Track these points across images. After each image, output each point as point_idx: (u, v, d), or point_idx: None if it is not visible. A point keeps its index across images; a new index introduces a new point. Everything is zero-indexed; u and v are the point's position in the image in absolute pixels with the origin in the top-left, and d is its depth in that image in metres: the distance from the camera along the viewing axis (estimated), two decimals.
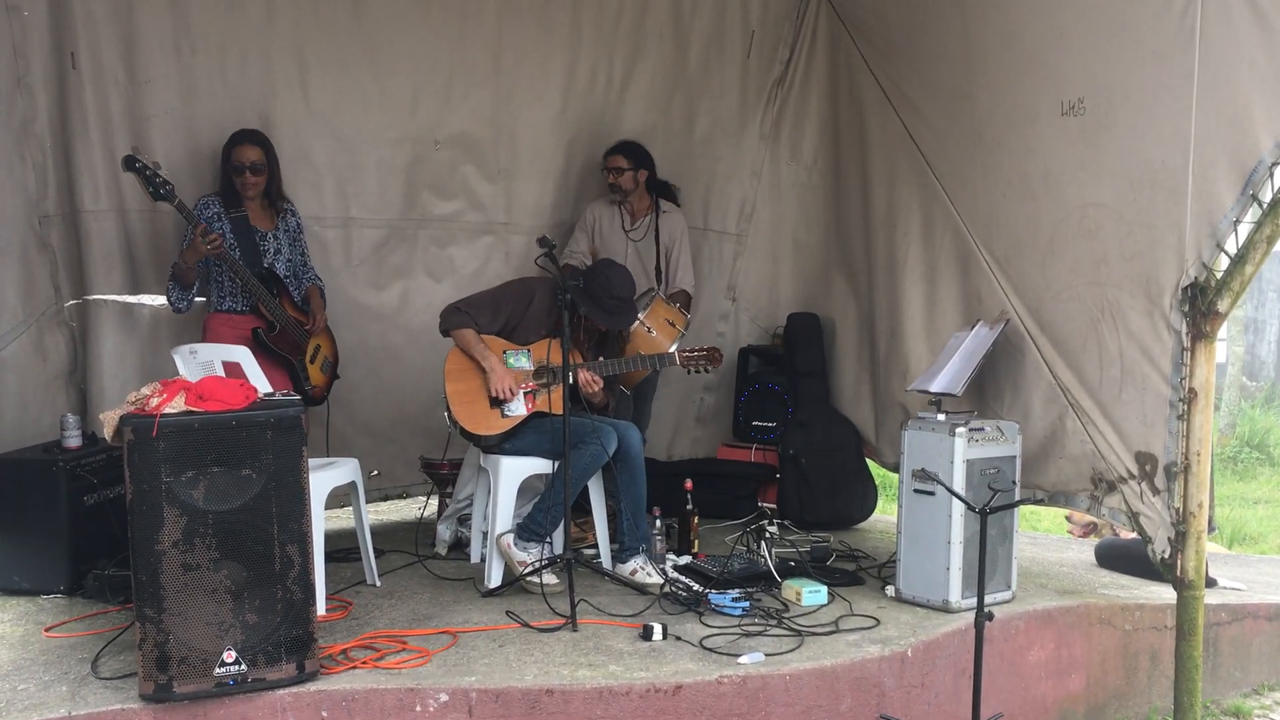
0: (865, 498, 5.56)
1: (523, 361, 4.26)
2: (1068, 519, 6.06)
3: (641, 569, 4.20)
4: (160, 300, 4.55)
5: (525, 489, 4.50)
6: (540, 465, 4.27)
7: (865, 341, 5.39)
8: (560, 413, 4.06)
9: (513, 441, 4.26)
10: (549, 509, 4.14)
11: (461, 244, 5.32)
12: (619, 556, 4.31)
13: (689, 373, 4.49)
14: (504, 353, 4.25)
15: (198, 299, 4.39)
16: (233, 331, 4.34)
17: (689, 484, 4.77)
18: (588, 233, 5.39)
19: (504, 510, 4.24)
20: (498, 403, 4.21)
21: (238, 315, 4.38)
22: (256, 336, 4.32)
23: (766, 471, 5.70)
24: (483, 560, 4.47)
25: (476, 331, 4.21)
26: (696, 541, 4.74)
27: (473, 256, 5.35)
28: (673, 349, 4.69)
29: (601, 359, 4.29)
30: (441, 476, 4.99)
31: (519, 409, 4.24)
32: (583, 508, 4.63)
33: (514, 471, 4.27)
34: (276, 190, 4.43)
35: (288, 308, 4.46)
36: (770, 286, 5.94)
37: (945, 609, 3.98)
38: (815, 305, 5.77)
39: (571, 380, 4.13)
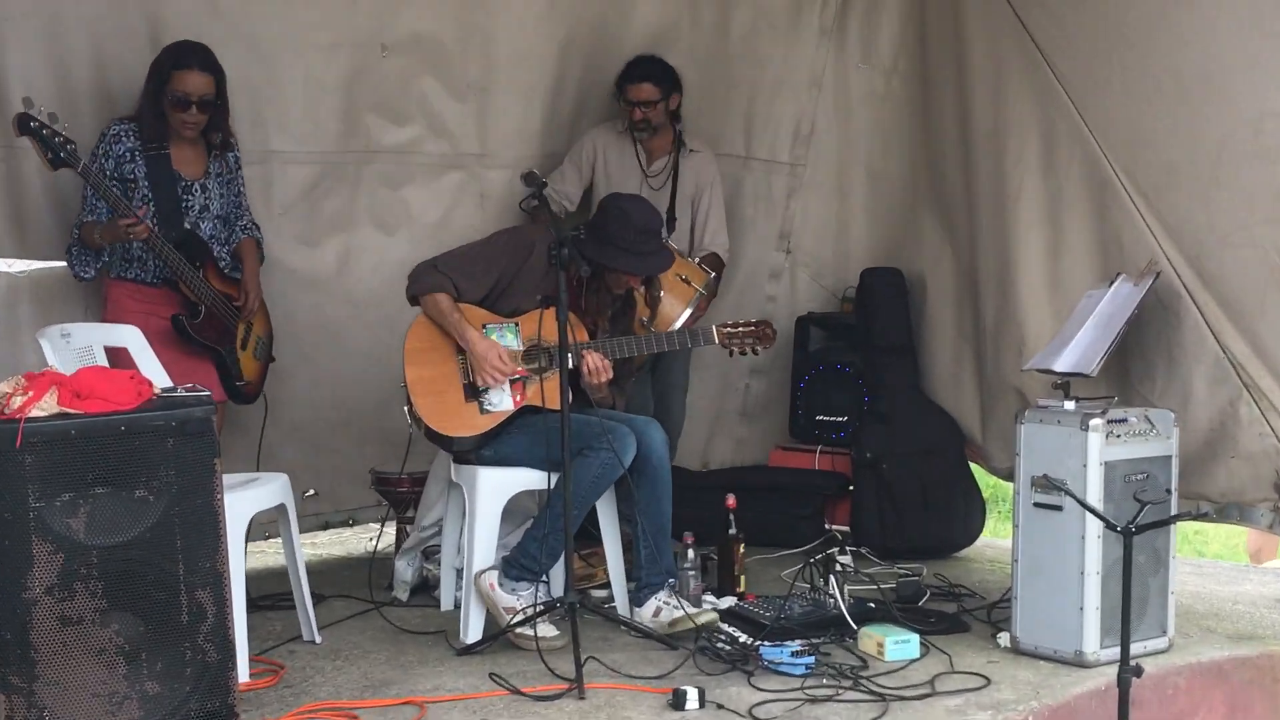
0: (969, 516, 5.62)
1: (508, 338, 4.30)
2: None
3: (666, 605, 4.26)
4: (18, 265, 4.55)
5: (512, 511, 4.50)
6: (532, 479, 4.29)
7: (967, 305, 5.43)
8: (558, 407, 4.03)
9: (495, 447, 4.29)
10: (545, 537, 4.18)
11: (420, 184, 5.35)
12: (638, 598, 4.36)
13: (730, 354, 4.54)
14: (483, 327, 4.29)
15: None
16: (141, 308, 4.37)
17: (731, 501, 4.79)
18: (581, 169, 5.41)
19: (484, 540, 4.27)
20: (475, 393, 4.25)
21: (148, 287, 4.41)
22: (178, 325, 4.37)
23: (835, 483, 5.74)
24: (457, 607, 4.52)
25: (453, 298, 4.25)
26: (743, 578, 4.78)
27: (435, 200, 5.38)
28: (686, 314, 4.78)
29: (609, 338, 4.35)
30: (400, 496, 5.05)
31: (503, 403, 4.27)
32: (590, 535, 4.66)
33: (497, 487, 4.29)
34: (220, 129, 4.46)
35: (213, 280, 4.50)
36: (837, 233, 6.01)
37: (1078, 662, 4.01)
38: (898, 257, 5.79)
39: (572, 365, 4.17)
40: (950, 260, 5.49)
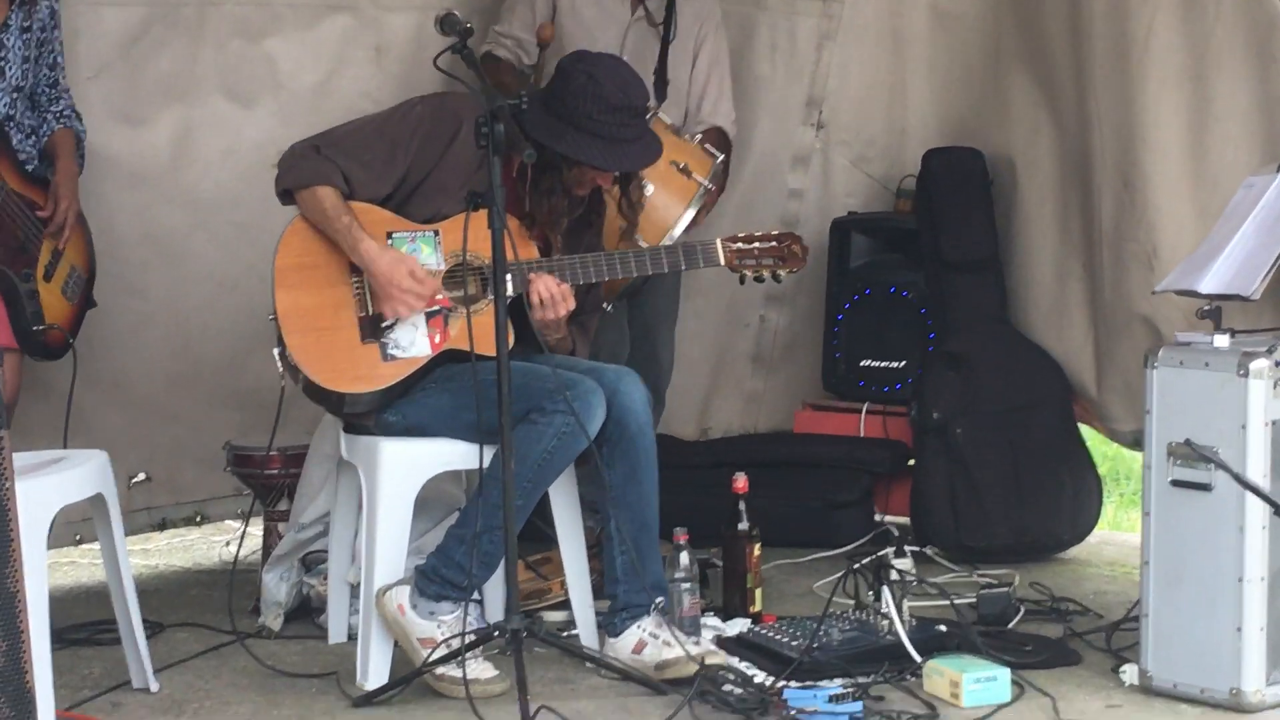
0: (1079, 500, 5.67)
1: (425, 253, 4.35)
2: None
3: (654, 638, 4.29)
4: None
5: (430, 501, 4.57)
6: (457, 454, 4.34)
7: (1074, 200, 5.49)
8: (493, 353, 4.03)
9: (405, 409, 4.34)
10: (476, 538, 4.20)
11: (289, 33, 5.38)
12: (613, 625, 4.39)
13: (740, 280, 4.61)
14: (388, 236, 4.33)
15: None
16: None
17: (741, 482, 4.81)
18: (536, 4, 5.37)
19: (390, 543, 4.31)
20: (376, 331, 4.30)
21: None
22: None
23: (889, 456, 5.85)
24: (352, 638, 4.55)
25: (342, 195, 4.29)
26: (759, 592, 4.83)
27: (312, 56, 5.43)
28: (686, 218, 4.82)
29: (568, 256, 4.40)
30: (269, 481, 5.10)
31: (416, 345, 4.31)
32: (541, 534, 4.73)
33: (408, 467, 4.34)
34: None
35: (8, 176, 4.52)
36: (889, 100, 6.05)
37: (1236, 705, 4.02)
38: (976, 133, 5.86)
39: (514, 291, 4.19)
40: (1050, 136, 5.54)
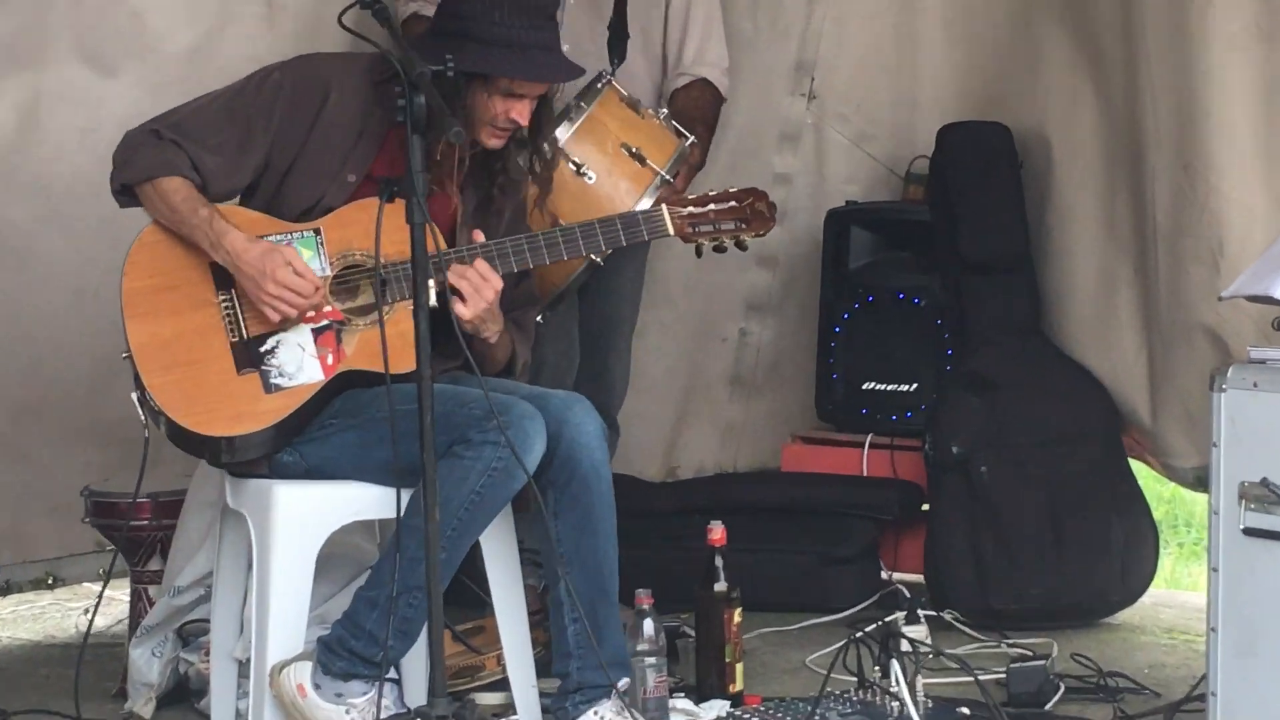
0: (1130, 552, 5.68)
1: (306, 259, 4.33)
2: None
3: None
4: None
5: (335, 559, 4.59)
6: (367, 501, 4.36)
7: (1122, 186, 5.54)
8: (414, 368, 4.00)
9: (302, 448, 4.37)
10: (392, 603, 4.19)
11: None
12: (562, 709, 4.40)
13: (698, 252, 4.61)
14: (261, 239, 4.34)
15: None
16: None
17: (718, 533, 4.81)
18: None
19: (286, 610, 4.31)
20: (253, 356, 4.31)
21: None
22: None
23: (898, 499, 5.93)
24: None
25: (198, 187, 4.31)
26: (739, 668, 4.83)
27: (190, 13, 5.48)
28: (643, 205, 4.81)
29: (479, 244, 4.39)
30: (136, 536, 5.09)
31: (304, 370, 4.32)
32: (473, 596, 4.79)
33: (308, 518, 4.37)
34: None
35: None
36: (896, 63, 6.13)
37: None
38: (1003, 105, 5.93)
39: (435, 293, 4.14)
40: (1093, 108, 5.61)
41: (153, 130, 4.30)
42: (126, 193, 4.34)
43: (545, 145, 4.59)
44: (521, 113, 4.36)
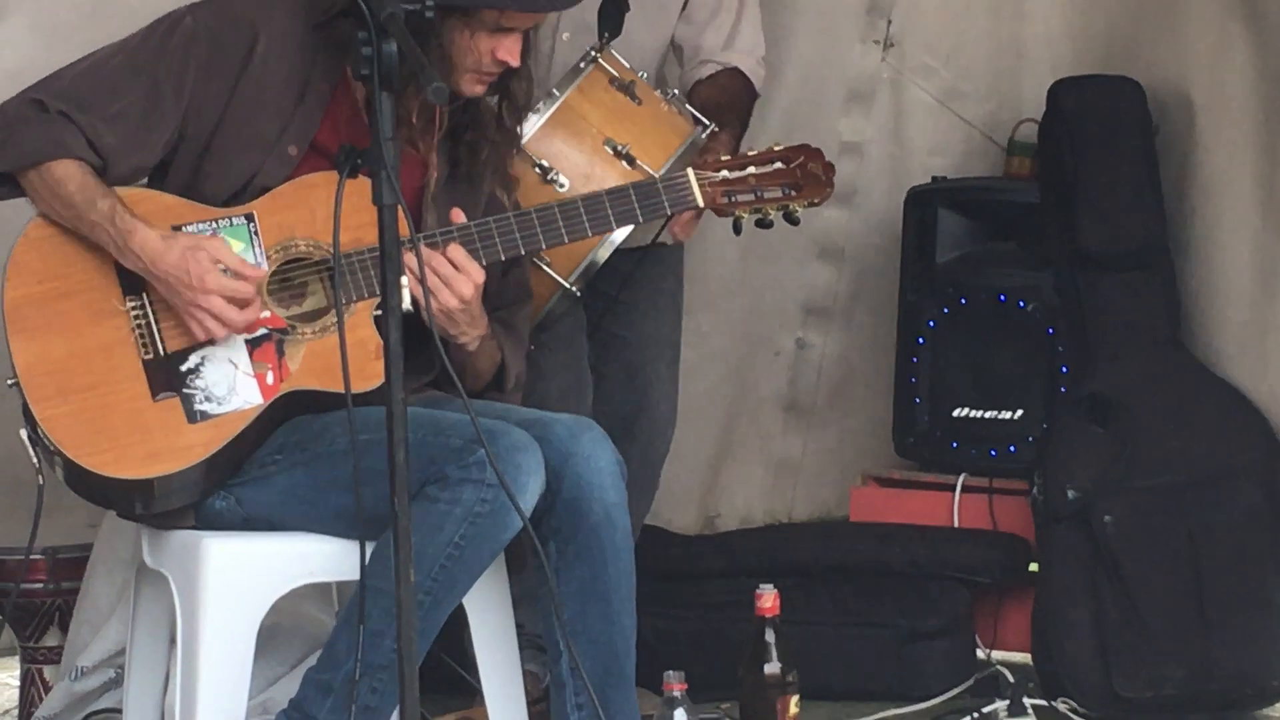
0: None
1: (238, 246, 4.29)
2: None
3: None
4: None
5: (281, 632, 4.67)
6: (324, 557, 4.30)
7: None
8: (376, 385, 3.92)
9: (238, 490, 4.33)
10: (350, 685, 4.12)
11: None
12: None
13: (736, 229, 4.62)
14: (179, 230, 4.28)
15: None
16: None
17: (769, 601, 4.73)
18: None
19: (219, 695, 4.24)
20: (171, 377, 4.25)
21: None
22: None
23: (998, 557, 5.81)
24: None
25: (96, 170, 4.27)
26: None
27: None
28: (619, 234, 4.73)
29: (459, 225, 4.40)
30: (29, 601, 5.08)
31: (237, 392, 4.25)
32: (456, 678, 4.77)
33: (248, 579, 4.32)
34: None
35: None
36: (997, 0, 6.08)
37: None
38: (1133, 56, 5.89)
39: (408, 293, 3.96)
40: (1248, 59, 5.51)
41: (36, 100, 4.26)
42: (5, 181, 4.31)
43: (519, 85, 4.52)
44: (512, 51, 4.34)
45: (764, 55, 5.49)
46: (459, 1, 4.22)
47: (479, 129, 4.50)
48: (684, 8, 5.47)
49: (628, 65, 4.94)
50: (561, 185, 4.69)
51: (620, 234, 4.61)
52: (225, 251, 4.17)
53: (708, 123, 5.00)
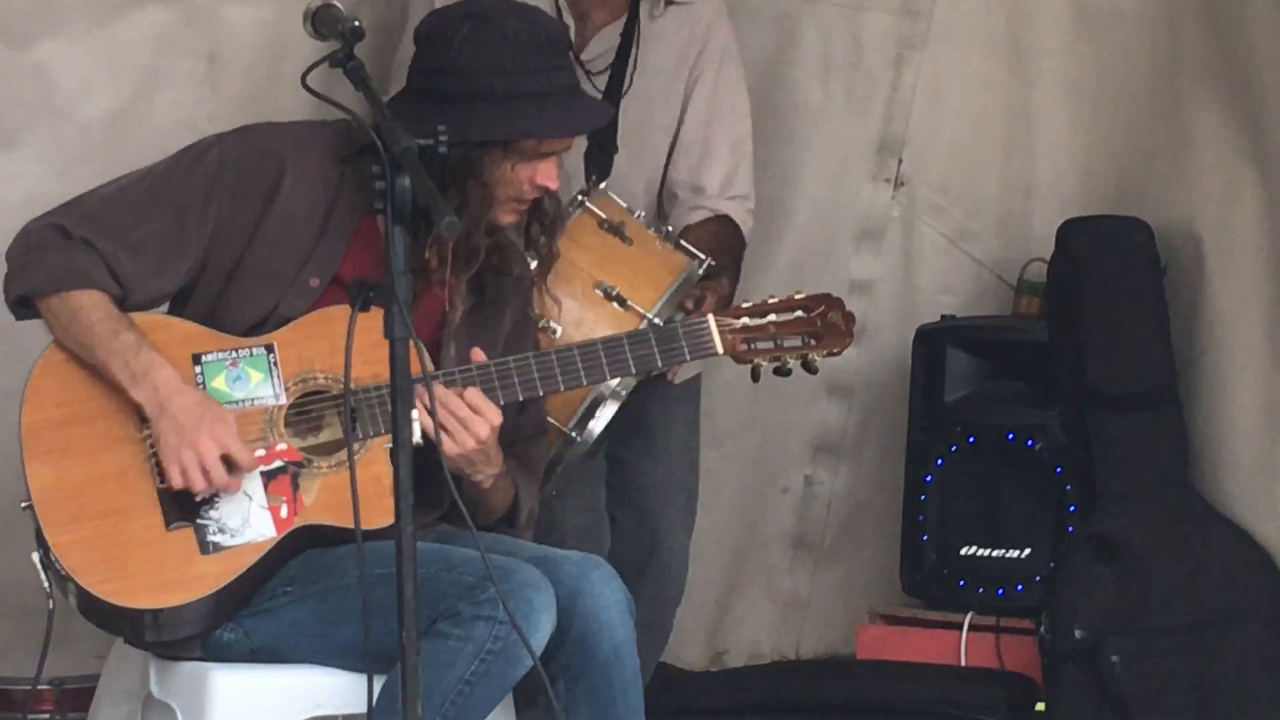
0: None
1: (252, 382, 4.26)
2: None
3: None
4: None
5: None
6: (333, 690, 4.26)
7: None
8: (390, 521, 3.73)
9: (248, 622, 4.27)
10: None
11: (75, 33, 5.39)
12: None
13: (754, 376, 4.57)
14: (194, 361, 4.26)
15: None
16: None
17: None
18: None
19: None
20: (185, 509, 4.19)
21: None
22: None
23: (1005, 696, 5.74)
24: None
25: (114, 299, 4.22)
26: None
27: (110, 70, 5.44)
28: (612, 384, 4.73)
29: (475, 365, 4.36)
30: None
31: (251, 525, 4.22)
32: None
33: (251, 712, 4.28)
34: None
35: None
36: (1006, 141, 6.09)
37: None
38: (1142, 197, 5.87)
39: (419, 429, 3.94)
40: (1257, 200, 5.49)
41: (57, 225, 4.22)
42: (25, 304, 4.26)
43: (550, 203, 4.49)
44: (550, 175, 4.33)
45: (752, 201, 5.47)
46: (496, 135, 4.22)
47: (504, 257, 4.48)
48: (671, 149, 5.46)
49: (623, 205, 4.93)
50: (554, 332, 4.68)
51: (630, 383, 4.61)
52: (234, 440, 4.13)
53: (703, 257, 4.96)
